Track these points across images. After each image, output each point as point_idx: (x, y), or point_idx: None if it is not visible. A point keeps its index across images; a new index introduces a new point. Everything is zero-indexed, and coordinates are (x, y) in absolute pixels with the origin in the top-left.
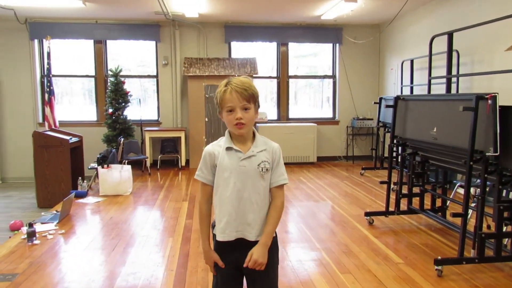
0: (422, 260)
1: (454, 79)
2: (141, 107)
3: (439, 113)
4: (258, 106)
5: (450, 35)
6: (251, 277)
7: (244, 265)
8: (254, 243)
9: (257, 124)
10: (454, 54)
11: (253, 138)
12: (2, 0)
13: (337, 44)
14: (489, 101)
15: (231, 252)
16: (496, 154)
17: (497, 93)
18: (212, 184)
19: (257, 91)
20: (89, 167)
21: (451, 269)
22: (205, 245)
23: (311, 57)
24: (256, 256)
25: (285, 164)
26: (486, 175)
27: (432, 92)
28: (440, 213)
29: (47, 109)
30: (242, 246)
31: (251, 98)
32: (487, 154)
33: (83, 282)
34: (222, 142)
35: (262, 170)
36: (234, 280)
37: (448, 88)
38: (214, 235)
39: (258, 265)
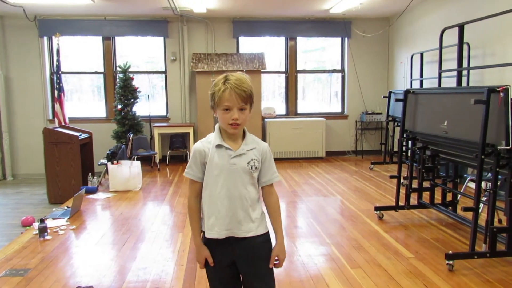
0: (433, 255)
1: (464, 72)
2: (150, 103)
3: (450, 107)
4: (252, 106)
5: (461, 27)
6: (247, 272)
7: (270, 266)
8: (243, 239)
9: (266, 119)
10: (465, 47)
11: (243, 135)
12: None
13: (346, 38)
14: (501, 94)
15: (222, 249)
16: (508, 147)
17: (509, 86)
18: (201, 181)
19: (253, 90)
20: (99, 163)
21: (462, 264)
22: (196, 240)
23: (319, 52)
24: (283, 256)
25: (294, 159)
26: (498, 169)
27: (442, 86)
28: (450, 208)
29: (57, 106)
30: (232, 242)
31: (248, 98)
32: (499, 147)
33: (95, 277)
34: (212, 139)
35: (251, 168)
36: (230, 276)
37: (459, 81)
38: (203, 232)
39: (283, 261)
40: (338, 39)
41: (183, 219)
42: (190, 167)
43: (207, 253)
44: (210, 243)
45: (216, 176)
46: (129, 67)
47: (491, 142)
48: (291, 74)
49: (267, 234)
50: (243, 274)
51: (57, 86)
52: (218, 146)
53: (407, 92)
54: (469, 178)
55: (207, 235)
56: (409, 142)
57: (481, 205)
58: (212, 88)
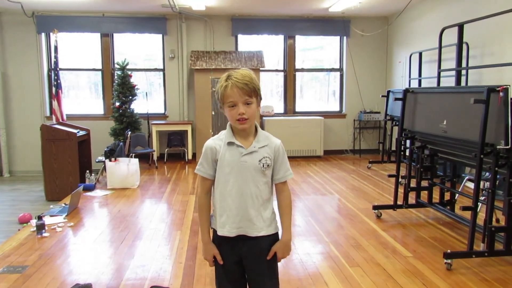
0: (431, 254)
1: (463, 72)
2: (148, 100)
3: (449, 106)
4: (260, 99)
5: (460, 27)
6: (253, 271)
7: (268, 258)
8: (255, 238)
9: (264, 118)
10: (464, 47)
11: (255, 132)
12: None
13: (345, 37)
14: (501, 94)
15: (230, 247)
16: (507, 147)
17: (509, 85)
18: (212, 178)
19: (258, 84)
20: (97, 160)
21: (460, 263)
22: (204, 237)
23: (318, 50)
24: (282, 255)
25: (292, 157)
26: (496, 169)
27: (440, 85)
28: (448, 207)
29: (55, 103)
30: (242, 241)
31: (253, 92)
32: (498, 147)
33: (93, 275)
34: (223, 136)
35: (263, 166)
36: (237, 273)
37: (458, 81)
38: (214, 229)
39: (280, 258)
40: (337, 38)
41: (181, 217)
42: (201, 164)
43: (216, 251)
44: (219, 241)
45: (227, 173)
46: (127, 64)
47: (490, 142)
48: (289, 72)
49: (276, 235)
50: (248, 272)
51: (55, 83)
52: (230, 143)
53: (406, 91)
54: (466, 177)
55: (219, 233)
56: (408, 141)
57: (479, 204)
58: (216, 86)
